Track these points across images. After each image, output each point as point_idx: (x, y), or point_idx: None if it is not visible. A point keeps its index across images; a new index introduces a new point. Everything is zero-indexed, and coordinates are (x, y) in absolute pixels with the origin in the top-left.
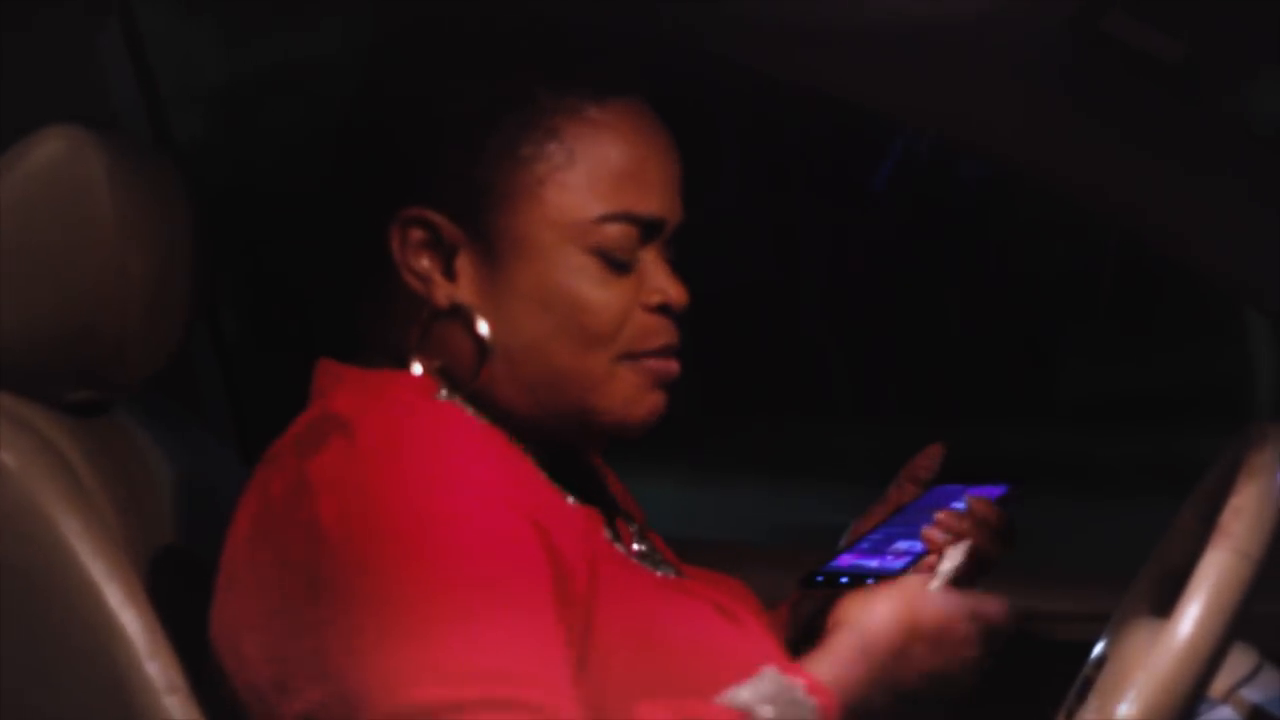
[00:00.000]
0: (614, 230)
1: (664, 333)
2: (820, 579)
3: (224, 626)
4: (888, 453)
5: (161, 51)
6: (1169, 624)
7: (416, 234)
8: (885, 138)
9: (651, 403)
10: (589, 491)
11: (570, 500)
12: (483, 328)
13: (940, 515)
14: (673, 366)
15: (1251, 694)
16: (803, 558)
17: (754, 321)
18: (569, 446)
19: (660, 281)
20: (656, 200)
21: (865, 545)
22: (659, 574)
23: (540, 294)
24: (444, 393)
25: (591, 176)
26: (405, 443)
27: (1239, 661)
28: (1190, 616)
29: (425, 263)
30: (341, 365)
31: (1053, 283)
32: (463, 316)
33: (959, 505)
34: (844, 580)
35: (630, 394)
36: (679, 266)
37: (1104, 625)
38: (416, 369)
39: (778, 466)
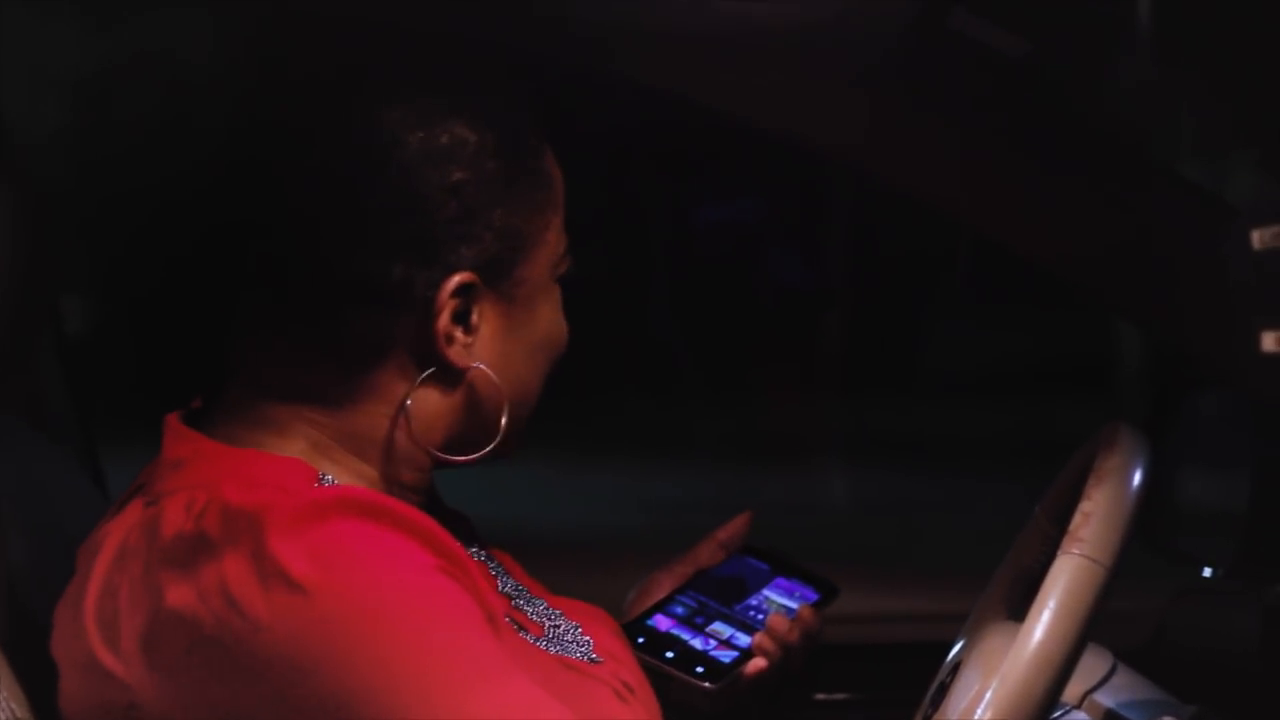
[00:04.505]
0: (568, 259)
1: None
2: (642, 640)
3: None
4: (747, 432)
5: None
6: (1021, 631)
7: (456, 302)
8: (733, 129)
9: None
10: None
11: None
12: (498, 382)
13: (774, 620)
14: None
15: (1105, 698)
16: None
17: (603, 310)
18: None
19: None
20: None
21: (680, 610)
22: (545, 649)
23: (539, 336)
24: (326, 481)
25: (560, 214)
26: (328, 548)
27: (1093, 665)
28: (1042, 623)
29: (454, 327)
30: (199, 435)
31: (911, 257)
32: (477, 375)
33: (774, 596)
34: (669, 655)
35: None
36: None
37: (960, 625)
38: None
39: (635, 448)
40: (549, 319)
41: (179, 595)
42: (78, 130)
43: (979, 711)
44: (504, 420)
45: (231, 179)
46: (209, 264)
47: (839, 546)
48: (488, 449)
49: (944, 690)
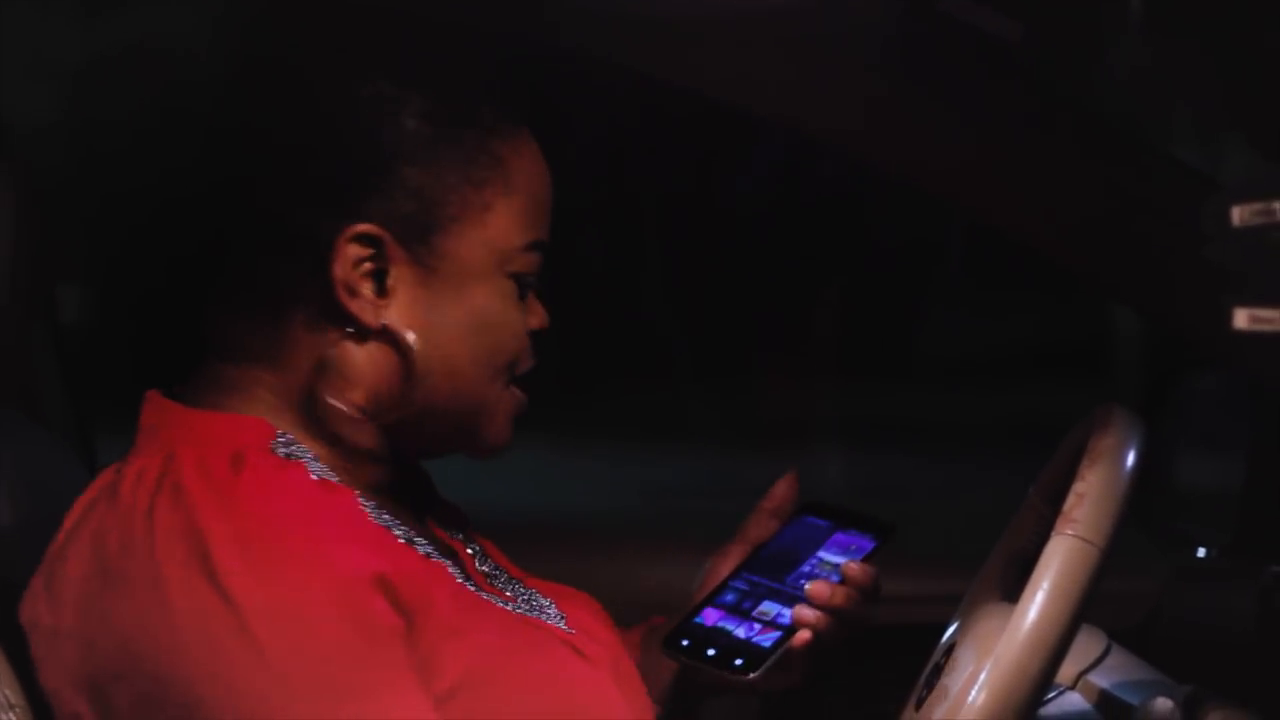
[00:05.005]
0: (532, 257)
1: (532, 357)
2: (686, 643)
3: (56, 681)
4: (744, 417)
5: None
6: (1015, 612)
7: (358, 250)
8: (727, 119)
9: (511, 431)
10: (425, 514)
11: (418, 549)
12: (412, 345)
13: (812, 588)
14: (524, 397)
15: (1099, 679)
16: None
17: (600, 298)
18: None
19: (536, 306)
20: (550, 227)
21: (730, 598)
22: (512, 610)
23: (471, 319)
24: (281, 439)
25: (523, 203)
26: (252, 535)
27: (1088, 645)
28: (1036, 604)
29: (358, 279)
30: (172, 403)
31: (906, 243)
32: (389, 339)
33: (828, 556)
34: (711, 653)
35: (507, 419)
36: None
37: (955, 607)
38: (336, 400)
39: (633, 433)
40: (486, 307)
41: (116, 551)
42: (74, 120)
43: (973, 692)
44: (418, 390)
45: (188, 142)
46: (181, 237)
47: None
48: (386, 412)
49: (938, 671)
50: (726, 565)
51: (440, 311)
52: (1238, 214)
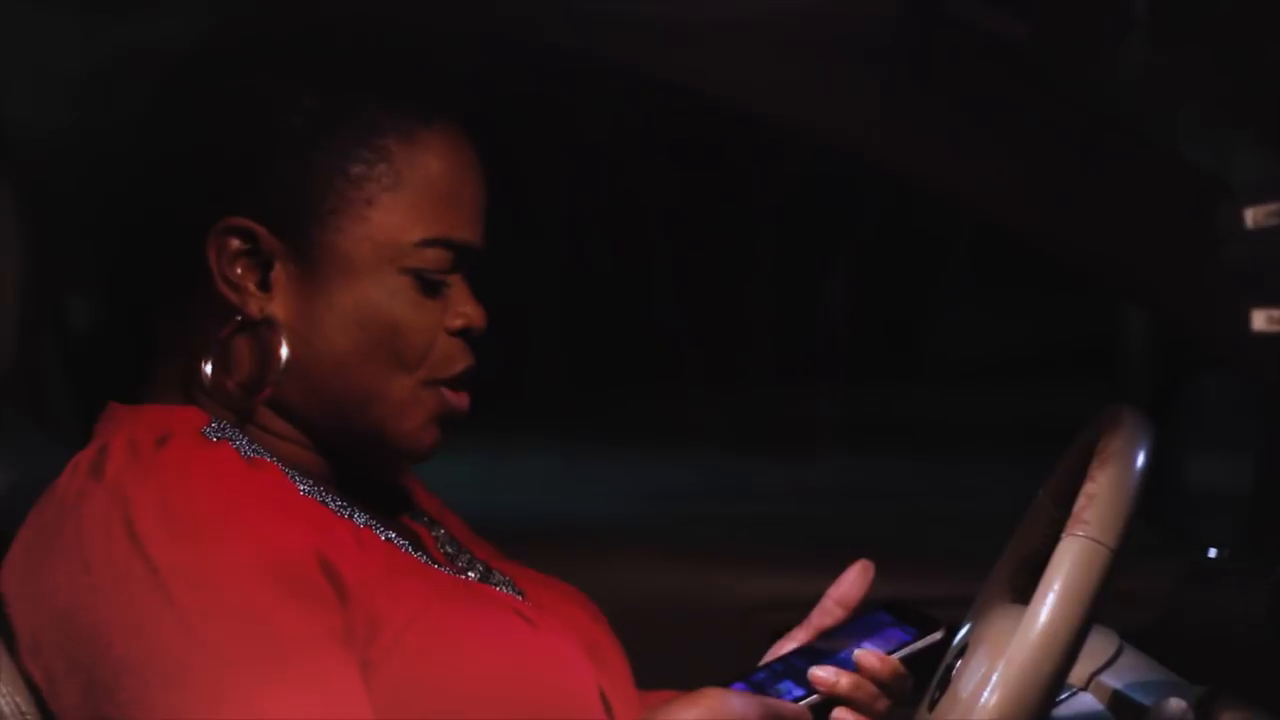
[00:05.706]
0: (432, 254)
1: (464, 358)
2: None
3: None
4: (752, 421)
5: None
6: (1027, 613)
7: (235, 243)
8: (733, 121)
9: (436, 434)
10: (385, 504)
11: (355, 521)
12: (284, 350)
13: (814, 673)
14: (464, 402)
15: (1112, 680)
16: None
17: (608, 301)
18: (364, 465)
19: (464, 306)
20: (470, 227)
21: (760, 676)
22: (463, 579)
23: (356, 312)
24: (214, 426)
25: (416, 199)
26: (170, 510)
27: (1099, 646)
28: (1047, 606)
29: (240, 272)
30: (121, 404)
31: (914, 244)
32: (271, 330)
33: (870, 645)
34: None
35: (424, 421)
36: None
37: (966, 610)
38: (206, 371)
39: (641, 435)
40: (372, 302)
41: (50, 523)
42: (83, 128)
43: (985, 694)
44: (306, 381)
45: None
46: (121, 243)
47: (844, 533)
48: (278, 400)
49: (950, 673)
50: (783, 649)
51: (325, 304)
52: (1251, 216)
